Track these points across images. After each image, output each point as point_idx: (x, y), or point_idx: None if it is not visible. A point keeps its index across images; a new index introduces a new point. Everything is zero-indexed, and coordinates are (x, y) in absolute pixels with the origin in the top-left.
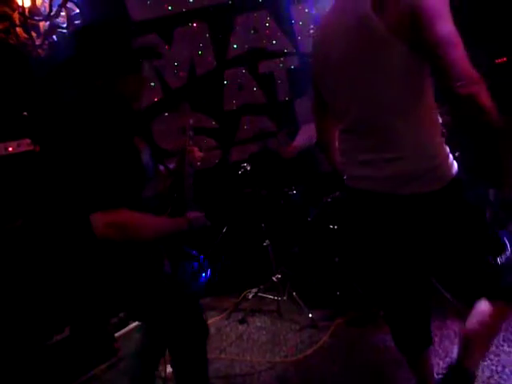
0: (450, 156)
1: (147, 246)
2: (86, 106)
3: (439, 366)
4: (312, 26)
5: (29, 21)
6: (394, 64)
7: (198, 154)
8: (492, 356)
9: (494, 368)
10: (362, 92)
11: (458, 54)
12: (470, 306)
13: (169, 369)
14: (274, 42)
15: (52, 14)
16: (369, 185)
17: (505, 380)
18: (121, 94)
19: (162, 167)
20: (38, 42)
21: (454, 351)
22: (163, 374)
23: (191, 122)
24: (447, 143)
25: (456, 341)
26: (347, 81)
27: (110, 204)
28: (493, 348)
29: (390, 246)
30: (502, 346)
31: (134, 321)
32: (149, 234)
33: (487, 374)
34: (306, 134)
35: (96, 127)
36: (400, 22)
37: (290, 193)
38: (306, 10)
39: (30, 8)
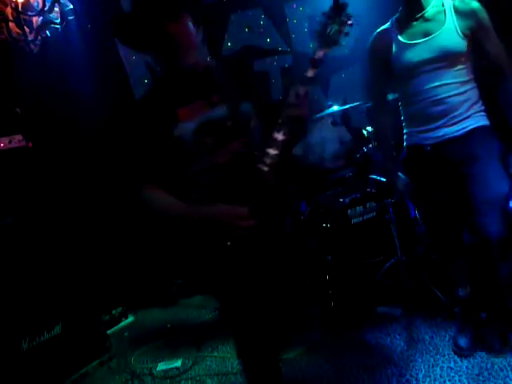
0: None
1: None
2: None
3: (429, 362)
4: (306, 25)
5: (22, 16)
6: None
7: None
8: (483, 353)
9: (483, 365)
10: None
11: None
12: None
13: (159, 367)
14: (269, 40)
15: (45, 9)
16: None
17: (494, 377)
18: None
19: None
20: (30, 38)
21: (445, 349)
22: (154, 371)
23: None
24: None
25: (446, 339)
26: None
27: (140, 178)
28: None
29: None
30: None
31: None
32: (169, 215)
33: (476, 371)
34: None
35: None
36: None
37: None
38: (301, 9)
39: (23, 3)
